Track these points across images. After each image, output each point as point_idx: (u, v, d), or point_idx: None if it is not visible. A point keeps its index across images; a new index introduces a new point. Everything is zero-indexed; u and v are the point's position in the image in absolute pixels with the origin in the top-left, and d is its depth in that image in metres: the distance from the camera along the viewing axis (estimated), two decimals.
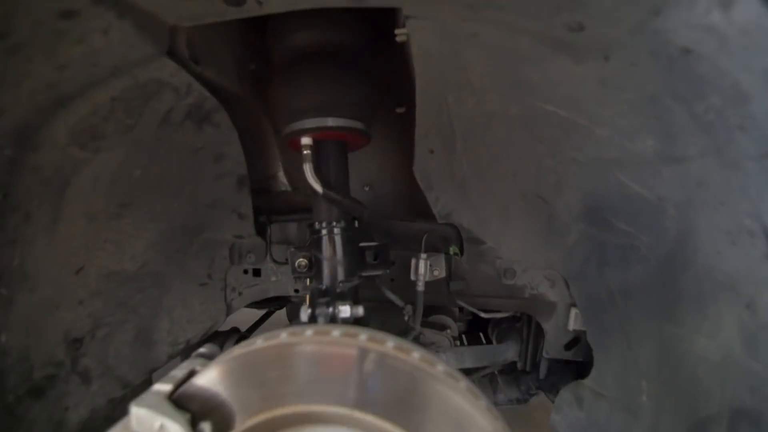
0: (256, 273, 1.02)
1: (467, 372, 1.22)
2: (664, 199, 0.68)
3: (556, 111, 0.68)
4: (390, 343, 0.47)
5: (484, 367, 1.22)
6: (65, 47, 0.54)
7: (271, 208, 0.97)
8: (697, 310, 0.71)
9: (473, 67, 0.68)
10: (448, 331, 1.27)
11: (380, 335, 0.49)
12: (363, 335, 0.48)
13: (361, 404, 0.46)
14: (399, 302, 0.87)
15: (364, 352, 0.46)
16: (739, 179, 0.54)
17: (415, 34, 0.62)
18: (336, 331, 0.48)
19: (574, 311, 0.96)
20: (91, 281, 0.85)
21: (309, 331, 0.49)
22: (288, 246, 0.93)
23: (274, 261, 0.97)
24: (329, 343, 0.46)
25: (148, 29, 0.57)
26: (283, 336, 0.48)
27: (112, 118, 0.68)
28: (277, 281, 1.00)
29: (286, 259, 0.89)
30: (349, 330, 0.48)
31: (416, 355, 0.47)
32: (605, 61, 0.55)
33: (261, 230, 0.97)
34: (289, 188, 1.01)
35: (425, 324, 1.27)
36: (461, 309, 1.41)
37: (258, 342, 0.48)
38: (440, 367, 0.47)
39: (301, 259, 0.75)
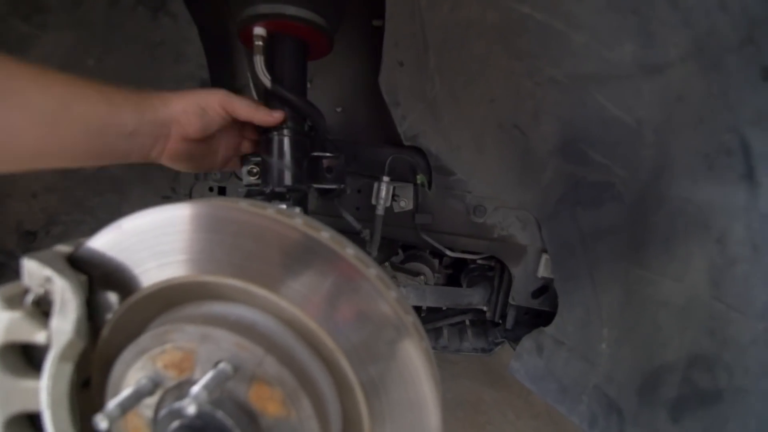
0: (222, 191, 0.99)
1: (434, 314, 1.19)
2: (643, 121, 0.62)
3: (533, 14, 0.62)
4: (298, 219, 0.44)
5: (454, 315, 1.20)
6: None
7: None
8: (666, 250, 0.66)
9: None
10: (422, 277, 1.24)
11: (289, 211, 0.45)
12: (270, 209, 0.44)
13: (258, 279, 0.43)
14: (356, 224, 0.83)
15: (264, 221, 0.42)
16: (720, 82, 0.48)
17: None
18: (243, 203, 0.44)
19: (544, 257, 0.91)
20: (46, 175, 0.83)
21: (217, 200, 0.46)
22: None
23: (238, 178, 0.94)
24: (228, 209, 0.43)
25: None
26: (186, 202, 0.45)
27: None
28: None
29: None
30: (256, 203, 0.45)
31: (325, 234, 0.44)
32: None
33: None
34: None
35: (400, 269, 1.24)
36: (441, 261, 1.38)
37: (158, 207, 0.45)
38: (349, 249, 0.43)
39: (252, 166, 0.71)
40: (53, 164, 0.53)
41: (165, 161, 0.63)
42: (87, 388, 0.48)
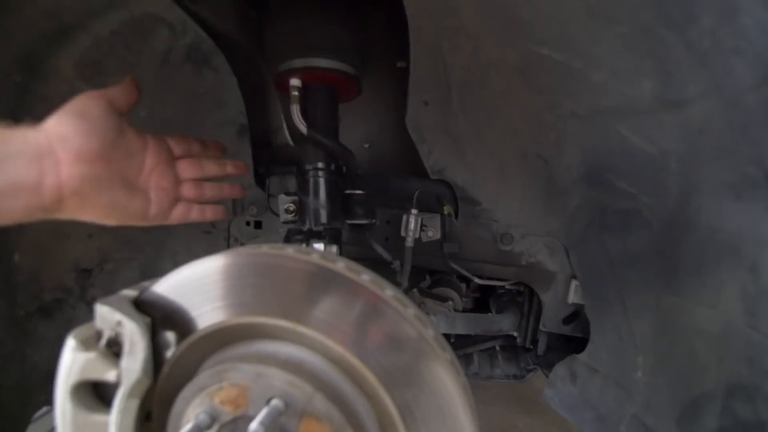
0: (258, 225, 1.05)
1: (465, 341, 1.20)
2: (666, 152, 0.63)
3: (551, 55, 0.65)
4: (341, 264, 0.47)
5: (484, 341, 1.20)
6: None
7: (271, 161, 1.00)
8: (698, 277, 0.66)
9: (464, 7, 0.66)
10: (450, 303, 1.25)
11: (332, 256, 0.49)
12: (315, 254, 0.48)
13: (307, 320, 0.46)
14: (387, 255, 0.87)
15: (310, 267, 0.46)
16: (740, 118, 0.49)
17: None
18: (289, 249, 0.48)
19: (574, 283, 0.92)
20: None
21: (264, 247, 0.50)
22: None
23: (273, 213, 0.99)
24: (276, 256, 0.47)
25: None
26: (240, 250, 0.49)
27: (114, 53, 0.72)
28: (278, 234, 1.03)
29: None
30: (301, 249, 0.49)
31: (366, 277, 0.47)
32: None
33: (261, 183, 0.99)
34: (290, 142, 1.02)
35: (428, 294, 1.26)
36: (468, 285, 1.39)
37: (215, 255, 0.49)
38: (389, 291, 0.47)
39: (289, 204, 0.76)
40: None
41: (73, 200, 0.51)
42: (148, 421, 0.52)
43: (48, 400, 0.87)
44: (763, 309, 0.56)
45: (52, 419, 0.90)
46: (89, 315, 1.00)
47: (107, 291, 0.95)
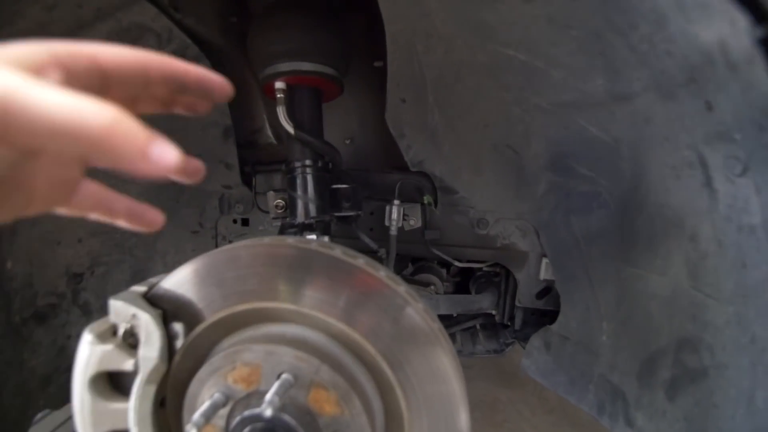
0: (245, 222, 1.08)
1: (447, 321, 1.27)
2: (618, 139, 0.71)
3: (516, 55, 0.71)
4: (337, 250, 0.53)
5: (465, 321, 1.28)
6: None
7: (257, 160, 1.03)
8: (650, 249, 0.75)
9: (436, 13, 0.71)
10: (432, 287, 1.32)
11: (329, 244, 0.54)
12: (314, 243, 0.53)
13: (308, 303, 0.51)
14: (373, 245, 0.92)
15: (311, 254, 0.51)
16: (676, 109, 0.57)
17: None
18: (290, 239, 0.53)
19: (545, 261, 1.00)
20: (89, 221, 0.92)
21: (266, 239, 0.54)
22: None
23: (260, 210, 1.03)
24: (278, 246, 0.52)
25: None
26: (239, 243, 0.54)
27: None
28: (264, 230, 1.07)
29: None
30: (301, 239, 0.54)
31: (361, 260, 0.53)
32: None
33: (247, 181, 1.03)
34: (274, 141, 1.06)
35: (411, 281, 1.32)
36: (448, 270, 1.47)
37: (217, 250, 0.53)
38: (382, 272, 0.52)
39: (278, 200, 0.80)
40: None
41: None
42: (162, 407, 0.56)
43: (47, 402, 0.88)
44: (702, 271, 0.65)
45: (52, 421, 0.92)
46: (82, 319, 1.02)
47: (99, 294, 0.97)
